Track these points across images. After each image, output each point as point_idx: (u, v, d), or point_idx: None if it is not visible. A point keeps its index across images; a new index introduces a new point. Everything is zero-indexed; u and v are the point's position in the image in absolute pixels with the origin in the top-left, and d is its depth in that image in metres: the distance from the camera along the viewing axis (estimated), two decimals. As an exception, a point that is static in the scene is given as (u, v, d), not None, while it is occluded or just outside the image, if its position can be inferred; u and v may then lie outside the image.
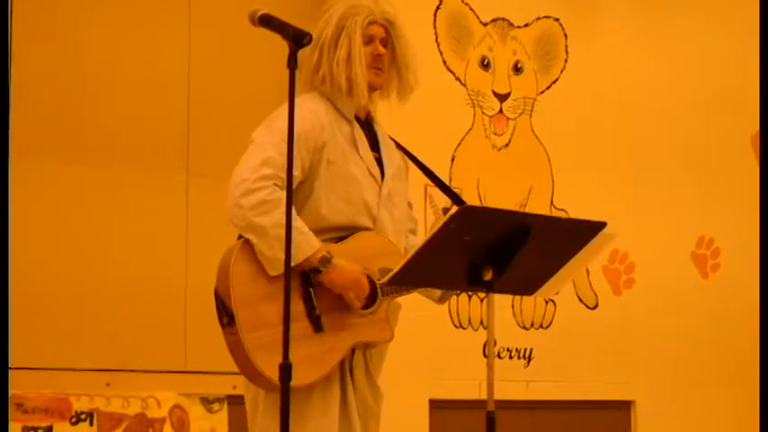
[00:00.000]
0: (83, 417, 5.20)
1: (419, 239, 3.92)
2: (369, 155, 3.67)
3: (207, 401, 5.46)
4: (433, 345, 5.89)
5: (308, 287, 3.48)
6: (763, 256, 5.68)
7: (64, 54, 5.51)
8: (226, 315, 3.42)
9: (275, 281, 3.41)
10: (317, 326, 3.47)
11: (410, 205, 3.89)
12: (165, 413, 5.37)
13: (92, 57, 5.59)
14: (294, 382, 3.16)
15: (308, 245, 3.43)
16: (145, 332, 5.55)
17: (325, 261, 3.45)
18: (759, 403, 5.38)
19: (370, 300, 3.58)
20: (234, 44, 5.77)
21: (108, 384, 5.33)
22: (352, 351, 3.60)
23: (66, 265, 5.40)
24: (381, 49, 3.65)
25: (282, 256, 3.24)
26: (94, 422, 5.22)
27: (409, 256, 3.28)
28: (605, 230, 3.42)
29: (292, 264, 3.32)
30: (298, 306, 3.45)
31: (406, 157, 3.85)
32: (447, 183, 4.01)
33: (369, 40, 3.63)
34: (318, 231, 3.51)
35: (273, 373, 3.12)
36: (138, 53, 5.69)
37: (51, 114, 5.42)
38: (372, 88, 3.67)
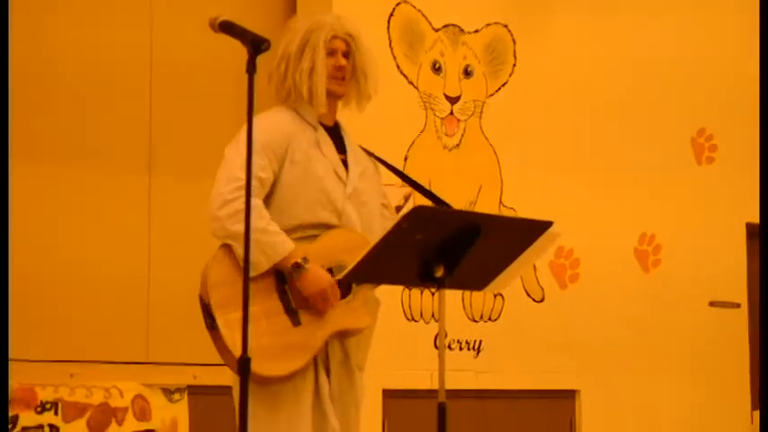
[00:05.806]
0: (48, 406, 5.23)
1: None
2: (334, 156, 3.83)
3: (168, 392, 5.48)
4: (386, 337, 5.77)
5: (282, 284, 3.64)
6: (763, 256, 5.66)
7: (24, 52, 5.47)
8: (209, 318, 3.57)
9: (252, 282, 3.58)
10: (294, 319, 3.63)
11: (385, 207, 4.02)
12: (128, 403, 5.40)
13: (53, 55, 5.61)
14: (275, 372, 3.47)
15: (283, 246, 3.60)
16: (108, 325, 5.59)
17: (298, 267, 3.61)
18: (760, 405, 5.41)
19: (346, 290, 3.73)
20: (196, 45, 5.77)
21: (72, 375, 5.37)
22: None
23: (29, 260, 5.41)
24: (342, 61, 3.83)
25: (261, 258, 3.48)
26: (59, 411, 5.25)
27: (362, 254, 3.39)
28: (551, 229, 3.50)
29: (270, 264, 3.56)
30: (275, 302, 3.62)
31: (377, 163, 4.00)
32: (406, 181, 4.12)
33: (331, 53, 3.82)
34: (286, 229, 3.66)
35: (255, 368, 3.26)
36: (100, 52, 5.70)
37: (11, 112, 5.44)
38: (335, 96, 3.86)
